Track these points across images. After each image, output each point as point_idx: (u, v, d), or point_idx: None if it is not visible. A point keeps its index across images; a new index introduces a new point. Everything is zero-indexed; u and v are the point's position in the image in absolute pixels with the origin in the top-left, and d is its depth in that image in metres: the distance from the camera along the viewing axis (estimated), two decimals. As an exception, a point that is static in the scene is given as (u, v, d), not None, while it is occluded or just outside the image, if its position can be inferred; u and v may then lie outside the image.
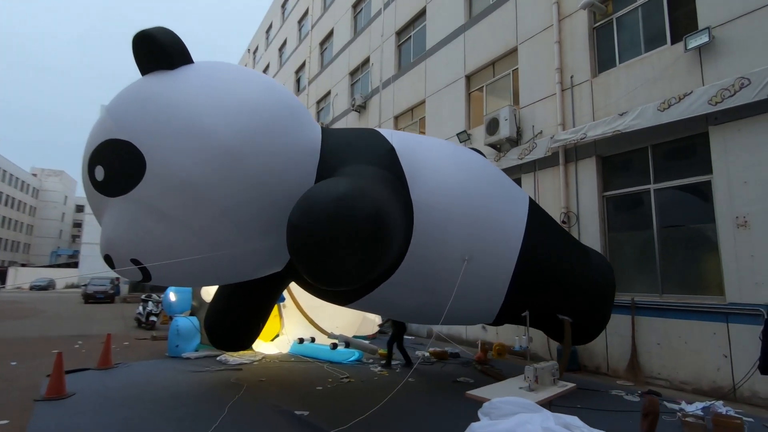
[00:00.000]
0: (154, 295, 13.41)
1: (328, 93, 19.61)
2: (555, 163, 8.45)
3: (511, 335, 9.01)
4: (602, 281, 5.75)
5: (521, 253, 5.21)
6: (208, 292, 8.26)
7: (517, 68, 9.73)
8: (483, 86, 10.84)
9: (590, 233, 7.68)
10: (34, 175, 66.31)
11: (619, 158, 7.63)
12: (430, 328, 11.31)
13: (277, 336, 8.84)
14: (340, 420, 4.37)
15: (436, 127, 12.07)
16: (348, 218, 3.16)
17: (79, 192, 69.58)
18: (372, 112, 15.53)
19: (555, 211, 8.06)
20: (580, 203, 7.97)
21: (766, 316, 5.39)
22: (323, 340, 8.75)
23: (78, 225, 64.49)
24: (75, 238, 66.78)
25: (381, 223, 3.31)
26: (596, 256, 6.09)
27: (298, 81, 24.20)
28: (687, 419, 4.37)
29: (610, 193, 7.69)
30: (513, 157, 9.14)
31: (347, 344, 8.26)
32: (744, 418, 4.47)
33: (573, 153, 8.18)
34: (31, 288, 40.35)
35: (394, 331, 7.64)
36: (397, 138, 5.18)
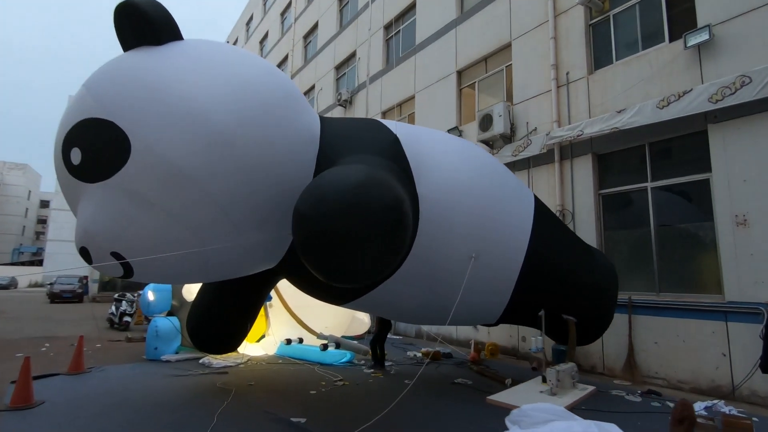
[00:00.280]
0: (129, 294, 12.73)
1: (312, 87, 19.17)
2: (550, 160, 8.35)
3: (503, 335, 8.89)
4: (606, 281, 5.64)
5: (528, 251, 5.02)
6: (190, 291, 7.80)
7: (511, 64, 9.60)
8: (475, 82, 10.69)
9: (586, 231, 7.60)
10: (-5, 168, 62.89)
11: (615, 156, 7.58)
12: (419, 327, 11.10)
13: (263, 337, 8.44)
14: (341, 427, 4.08)
15: (425, 123, 11.85)
16: (367, 208, 2.87)
17: (44, 187, 66.50)
18: (359, 108, 15.21)
19: (550, 209, 7.95)
20: (575, 201, 7.89)
21: (766, 315, 5.39)
22: (311, 341, 8.41)
23: (43, 221, 61.60)
24: (39, 235, 63.74)
25: (402, 214, 3.03)
26: (600, 256, 5.99)
27: (280, 75, 23.57)
28: (698, 420, 4.27)
29: (606, 191, 7.64)
30: (507, 154, 9.00)
31: (338, 345, 7.94)
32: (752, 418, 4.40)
33: (568, 150, 8.09)
34: (-9, 287, 38.20)
35: (379, 330, 7.31)
36: (401, 129, 4.91)
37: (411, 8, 13.31)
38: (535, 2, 9.13)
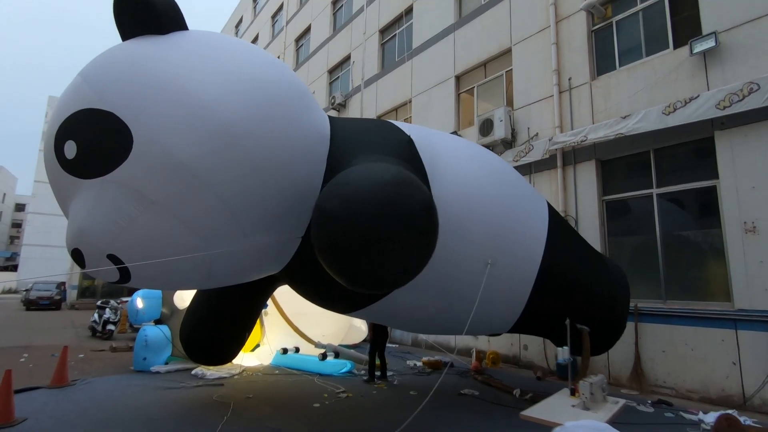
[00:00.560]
0: (112, 301, 12.19)
1: (304, 91, 18.89)
2: (552, 166, 8.28)
3: (504, 343, 8.73)
4: (618, 290, 5.53)
5: (543, 258, 4.87)
6: (182, 298, 7.44)
7: (511, 69, 9.55)
8: (474, 87, 10.61)
9: (590, 238, 7.50)
10: (-32, 169, 60.60)
11: (619, 162, 7.53)
12: (415, 335, 10.88)
13: (258, 346, 8.11)
14: (355, 445, 3.82)
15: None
16: (403, 208, 2.66)
17: (20, 190, 64.29)
18: (353, 111, 15.02)
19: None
20: (578, 207, 7.81)
21: (777, 323, 5.34)
22: (308, 350, 8.12)
23: (17, 225, 59.49)
24: (14, 239, 61.52)
25: (435, 214, 2.83)
26: (611, 264, 5.88)
27: (270, 78, 23.27)
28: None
29: (610, 197, 7.57)
30: (508, 159, 8.90)
31: (336, 354, 7.68)
32: (775, 430, 4.30)
33: (571, 156, 8.03)
34: (-38, 293, 36.62)
35: (375, 339, 6.95)
36: (414, 130, 4.73)
37: (408, 12, 13.23)
38: (535, 8, 9.11)
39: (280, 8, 22.89)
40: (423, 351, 10.09)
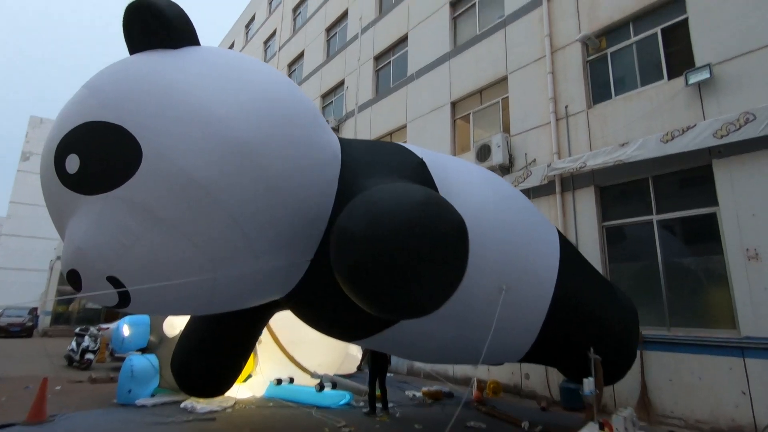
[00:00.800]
0: (92, 328, 11.58)
1: (296, 115, 18.94)
2: (551, 192, 8.32)
3: (505, 372, 8.52)
4: (628, 319, 5.45)
5: (557, 285, 4.78)
6: (173, 325, 7.08)
7: (507, 97, 9.71)
8: (470, 113, 10.74)
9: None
10: (-60, 189, 58.47)
11: (618, 188, 7.61)
12: (411, 364, 10.57)
13: (250, 376, 7.72)
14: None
15: (418, 152, 11.76)
16: (437, 229, 2.54)
17: (-5, 210, 62.01)
18: (346, 136, 15.03)
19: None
20: (578, 233, 7.81)
21: (786, 351, 5.31)
22: (303, 381, 7.77)
23: (-11, 247, 57.08)
24: (-16, 261, 58.91)
25: (467, 237, 2.72)
26: (620, 293, 5.82)
27: (261, 102, 23.34)
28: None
29: (609, 224, 7.60)
30: (506, 185, 8.92)
31: (334, 385, 7.36)
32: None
33: (570, 182, 8.09)
34: None
35: (374, 368, 6.62)
36: (425, 153, 4.67)
37: (402, 41, 13.48)
38: (531, 39, 9.36)
39: (273, 34, 23.19)
40: (420, 380, 9.78)
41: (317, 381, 7.79)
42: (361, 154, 4.42)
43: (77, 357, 10.65)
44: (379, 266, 2.51)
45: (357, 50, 15.39)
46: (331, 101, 16.92)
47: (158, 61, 3.33)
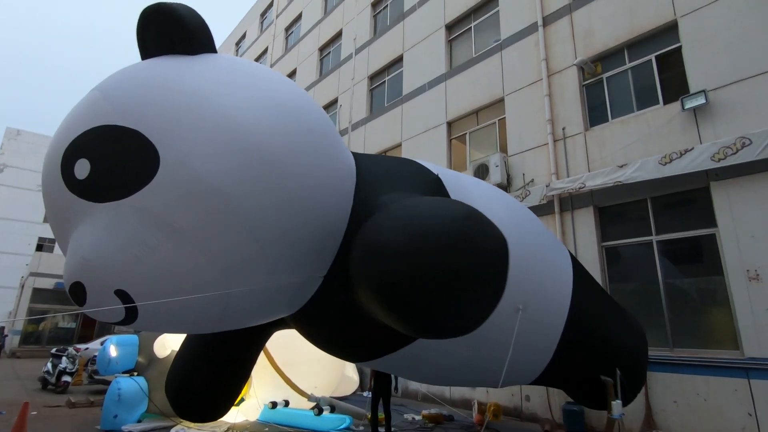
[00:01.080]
0: (70, 349, 10.98)
1: (287, 132, 18.89)
2: (549, 211, 8.37)
3: (505, 394, 8.37)
4: (638, 342, 5.42)
5: (571, 306, 4.73)
6: (164, 345, 6.74)
7: (504, 118, 9.85)
8: (466, 133, 10.85)
9: (591, 284, 7.50)
10: None
11: (616, 209, 7.70)
12: (405, 385, 10.31)
13: (242, 400, 7.37)
14: None
15: (413, 171, 11.77)
16: (481, 245, 2.45)
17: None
18: (339, 153, 15.00)
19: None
20: (578, 253, 7.84)
21: (790, 372, 5.34)
22: (298, 404, 7.46)
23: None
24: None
25: (508, 253, 2.63)
26: (630, 316, 5.80)
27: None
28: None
29: (609, 244, 7.67)
30: (505, 204, 8.96)
31: (332, 408, 7.08)
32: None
33: (569, 202, 8.17)
34: None
35: (377, 391, 6.34)
36: (439, 169, 4.63)
37: (398, 61, 13.66)
38: (527, 63, 9.58)
39: (265, 52, 23.28)
40: (417, 403, 9.52)
41: (313, 404, 7.50)
42: (376, 169, 4.34)
43: (53, 379, 10.04)
44: (421, 284, 2.39)
45: (351, 69, 15.51)
46: (324, 119, 16.91)
47: (177, 66, 3.22)
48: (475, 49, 11.18)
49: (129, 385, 6.40)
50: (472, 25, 11.46)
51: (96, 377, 9.91)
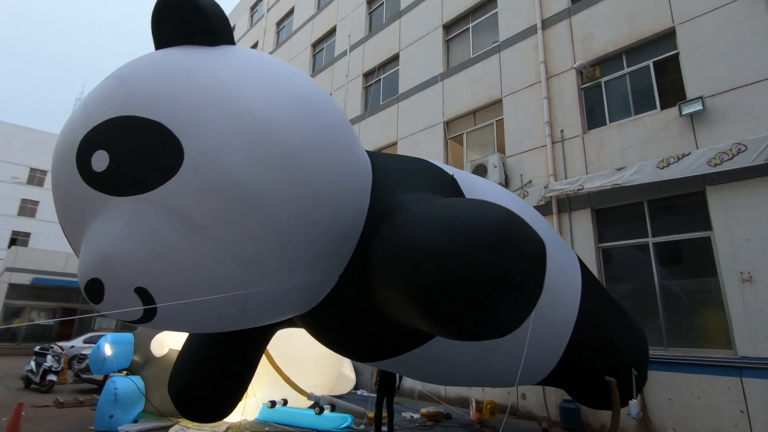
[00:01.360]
0: (55, 346, 10.63)
1: (278, 127, 18.67)
2: (548, 213, 8.47)
3: (500, 392, 8.46)
4: (640, 342, 5.55)
5: (580, 308, 4.80)
6: (162, 344, 6.60)
7: (502, 119, 9.93)
8: (463, 133, 10.90)
9: (588, 284, 7.63)
10: None
11: (613, 211, 7.86)
12: (401, 383, 10.31)
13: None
14: None
15: (409, 169, 11.77)
16: (525, 247, 2.46)
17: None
18: (333, 150, 14.90)
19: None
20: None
21: (782, 370, 5.54)
22: (297, 403, 7.40)
23: None
24: None
25: (546, 256, 2.65)
26: (632, 318, 5.92)
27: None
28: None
29: (606, 245, 7.82)
30: (503, 204, 9.04)
31: (333, 407, 7.04)
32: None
33: (566, 203, 8.29)
34: None
35: (381, 390, 6.44)
36: (453, 170, 4.64)
37: (394, 59, 13.63)
38: (526, 65, 9.67)
39: (255, 45, 22.92)
40: (414, 401, 9.54)
41: (311, 402, 7.46)
42: (392, 167, 4.32)
43: (37, 378, 9.71)
44: (463, 286, 2.38)
45: (345, 66, 15.41)
46: (317, 115, 16.76)
47: (198, 57, 3.12)
48: (473, 50, 11.23)
49: (125, 384, 6.24)
50: (470, 25, 11.51)
51: (83, 376, 9.63)
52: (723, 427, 5.93)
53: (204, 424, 6.32)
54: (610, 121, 8.16)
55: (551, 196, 8.34)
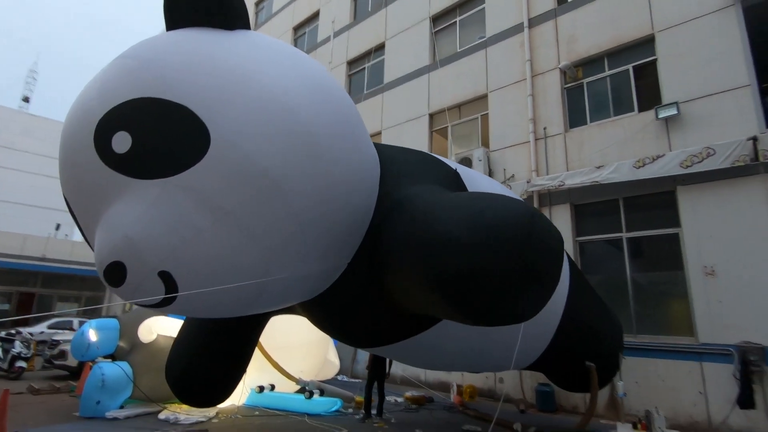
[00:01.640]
0: (24, 332, 10.20)
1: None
2: (529, 207, 8.84)
3: (479, 377, 8.86)
4: (616, 331, 5.98)
5: (567, 299, 5.13)
6: (150, 330, 6.51)
7: (487, 113, 10.20)
8: (447, 126, 11.11)
9: (565, 275, 8.08)
10: None
11: (591, 207, 8.30)
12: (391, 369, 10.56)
13: (228, 384, 7.27)
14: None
15: (393, 160, 11.90)
16: (548, 240, 2.66)
17: None
18: (314, 137, 14.79)
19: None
20: (554, 246, 8.38)
21: (737, 356, 6.13)
22: (284, 388, 7.51)
23: None
24: None
25: (563, 248, 2.87)
26: (609, 308, 6.35)
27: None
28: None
29: (582, 239, 8.27)
30: (486, 197, 9.34)
31: (321, 392, 7.20)
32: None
33: (547, 198, 8.68)
34: None
35: (372, 374, 6.59)
36: (455, 164, 4.82)
37: (379, 48, 13.61)
38: (512, 62, 9.93)
39: (231, 25, 22.17)
40: (395, 386, 9.82)
41: (298, 388, 7.58)
42: (398, 160, 4.43)
43: (5, 365, 9.32)
44: (491, 276, 2.55)
45: (329, 53, 15.24)
46: (298, 101, 16.54)
47: (218, 41, 3.12)
48: (459, 44, 11.40)
49: (113, 371, 6.14)
50: (458, 19, 11.65)
51: (57, 363, 9.33)
52: (683, 406, 6.51)
53: (193, 409, 6.34)
54: (591, 121, 8.57)
55: (533, 191, 8.71)
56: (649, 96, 7.90)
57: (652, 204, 7.62)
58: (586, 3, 8.98)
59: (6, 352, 9.56)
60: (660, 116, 7.39)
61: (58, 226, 26.17)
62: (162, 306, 3.06)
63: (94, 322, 6.60)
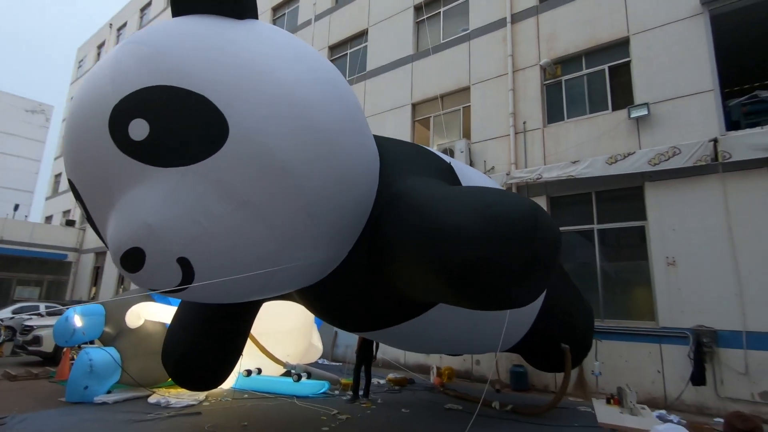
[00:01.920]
0: (-6, 318, 9.84)
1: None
2: (508, 198, 9.23)
3: (456, 359, 9.29)
4: (589, 316, 6.46)
5: (548, 288, 5.51)
6: (138, 315, 6.51)
7: (469, 106, 10.47)
8: (430, 117, 11.32)
9: (540, 263, 8.55)
10: None
11: (566, 200, 8.77)
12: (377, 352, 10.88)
13: (215, 368, 7.37)
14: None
15: (375, 148, 12.03)
16: (550, 234, 2.93)
17: None
18: (294, 123, 14.67)
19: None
20: (530, 236, 8.83)
21: (692, 338, 6.76)
22: (270, 371, 7.69)
23: None
24: None
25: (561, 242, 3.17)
26: (581, 293, 6.81)
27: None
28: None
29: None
30: (467, 188, 9.67)
31: (309, 375, 7.42)
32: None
33: (525, 190, 9.09)
34: None
35: (360, 357, 6.86)
36: (448, 158, 5.05)
37: (361, 35, 13.57)
38: (494, 56, 10.20)
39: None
40: (376, 369, 10.12)
41: (285, 371, 7.78)
42: (394, 151, 4.59)
43: (-26, 351, 9.02)
44: (496, 266, 2.80)
45: (309, 37, 15.04)
46: (277, 85, 16.29)
47: (230, 31, 3.16)
48: (443, 35, 11.55)
49: (101, 356, 6.13)
50: (441, 10, 11.78)
51: (31, 348, 9.09)
52: (643, 383, 7.13)
53: (183, 393, 6.44)
54: (568, 117, 8.99)
55: (512, 183, 9.09)
56: (623, 96, 8.37)
57: (622, 198, 8.15)
58: (567, 2, 9.31)
59: (-26, 338, 9.24)
60: (632, 116, 7.86)
61: (16, 207, 24.87)
62: (176, 291, 3.17)
63: (79, 307, 6.52)
